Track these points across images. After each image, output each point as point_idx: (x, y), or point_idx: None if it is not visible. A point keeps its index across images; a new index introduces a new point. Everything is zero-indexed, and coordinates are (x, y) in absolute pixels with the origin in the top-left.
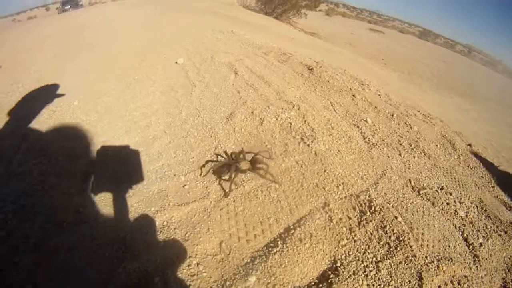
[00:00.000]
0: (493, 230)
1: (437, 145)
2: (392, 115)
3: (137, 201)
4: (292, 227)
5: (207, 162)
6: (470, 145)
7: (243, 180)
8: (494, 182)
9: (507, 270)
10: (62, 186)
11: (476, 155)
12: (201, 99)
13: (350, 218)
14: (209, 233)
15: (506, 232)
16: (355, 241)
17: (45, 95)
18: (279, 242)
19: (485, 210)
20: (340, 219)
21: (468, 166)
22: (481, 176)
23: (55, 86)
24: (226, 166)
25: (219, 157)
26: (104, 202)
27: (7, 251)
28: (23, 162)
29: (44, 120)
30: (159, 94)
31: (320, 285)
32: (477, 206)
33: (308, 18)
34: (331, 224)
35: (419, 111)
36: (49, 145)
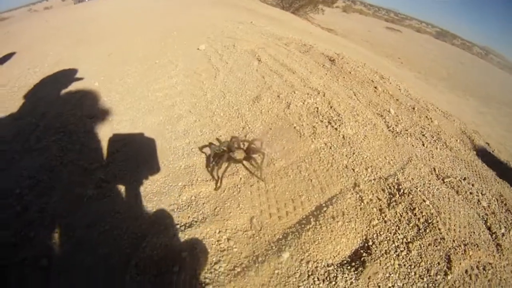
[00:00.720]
0: None
1: (457, 140)
2: (413, 108)
3: (164, 176)
4: (324, 205)
5: (203, 147)
6: (488, 143)
7: (273, 159)
8: None
9: None
10: (83, 162)
11: (496, 154)
12: (225, 82)
13: (380, 200)
14: (240, 208)
15: None
16: (385, 221)
17: (63, 78)
18: (311, 219)
19: (505, 204)
20: (371, 199)
21: (487, 162)
22: (500, 173)
23: (74, 70)
24: (218, 156)
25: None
26: (128, 177)
27: (22, 225)
28: (41, 138)
29: (64, 101)
30: (182, 77)
31: (353, 264)
32: (497, 200)
33: (325, 14)
34: (362, 204)
35: (438, 108)
36: (69, 123)
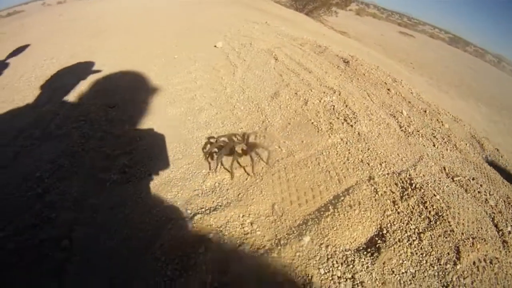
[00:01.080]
0: None
1: (466, 143)
2: (425, 111)
3: (187, 163)
4: (341, 194)
5: (206, 144)
6: (497, 149)
7: (293, 151)
8: None
9: None
10: (105, 148)
11: (505, 160)
12: (244, 79)
13: (393, 192)
14: (262, 195)
15: None
16: (398, 212)
17: (80, 69)
18: (330, 207)
19: None
20: (385, 192)
21: (496, 166)
22: (508, 177)
23: (91, 62)
24: (219, 148)
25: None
26: (151, 164)
27: (43, 207)
28: (61, 126)
29: (83, 91)
30: (201, 72)
31: (369, 250)
32: (504, 201)
33: (338, 17)
34: (377, 195)
35: (449, 112)
36: (89, 112)
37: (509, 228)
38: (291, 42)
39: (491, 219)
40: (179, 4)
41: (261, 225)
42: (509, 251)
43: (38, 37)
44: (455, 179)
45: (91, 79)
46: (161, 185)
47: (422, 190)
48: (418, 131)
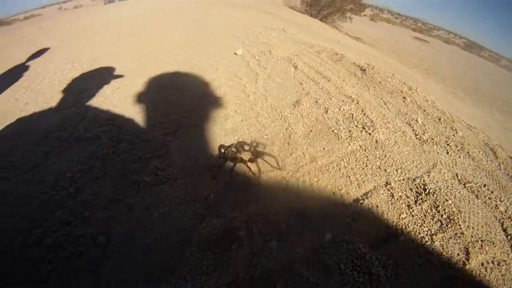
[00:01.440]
0: None
1: (480, 151)
2: (439, 119)
3: None
4: (360, 198)
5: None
6: (510, 157)
7: (315, 157)
8: None
9: None
10: (136, 151)
11: None
12: (266, 87)
13: (408, 197)
14: None
15: None
16: (412, 216)
17: (103, 73)
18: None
19: None
20: (400, 196)
21: (508, 174)
22: None
23: (113, 67)
24: (229, 156)
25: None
26: (184, 165)
27: (76, 205)
28: (89, 129)
29: (108, 95)
30: (224, 80)
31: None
32: None
33: (353, 23)
34: (393, 199)
35: (463, 120)
36: (117, 116)
37: None
38: (309, 50)
39: (500, 224)
40: (193, 7)
41: None
42: None
43: (57, 41)
44: (466, 185)
45: (116, 84)
46: (193, 187)
47: (435, 195)
48: (433, 139)
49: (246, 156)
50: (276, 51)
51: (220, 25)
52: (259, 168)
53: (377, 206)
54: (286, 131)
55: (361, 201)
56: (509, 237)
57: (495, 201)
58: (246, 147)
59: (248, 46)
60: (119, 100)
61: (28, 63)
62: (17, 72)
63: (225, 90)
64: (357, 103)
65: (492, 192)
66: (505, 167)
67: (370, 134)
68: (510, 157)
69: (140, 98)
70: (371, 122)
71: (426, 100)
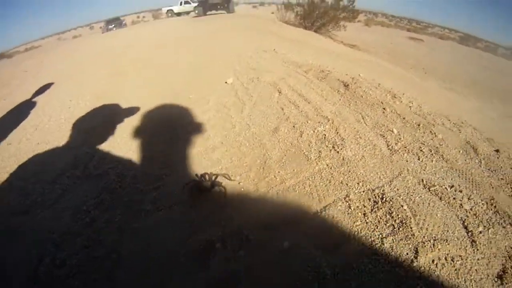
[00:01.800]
0: (497, 222)
1: (459, 151)
2: (419, 125)
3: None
4: (319, 211)
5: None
6: (497, 150)
7: (285, 179)
8: None
9: (507, 257)
10: (139, 184)
11: (502, 160)
12: (250, 115)
13: (365, 206)
14: None
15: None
16: (366, 223)
17: (108, 110)
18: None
19: (495, 206)
20: (357, 206)
21: (488, 169)
22: (501, 178)
23: (116, 103)
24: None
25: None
26: (177, 195)
27: (92, 232)
28: (98, 166)
29: (112, 133)
30: (214, 112)
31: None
32: (486, 203)
33: (347, 30)
34: (350, 210)
35: (449, 120)
36: (121, 153)
37: (480, 229)
38: (297, 70)
39: (461, 222)
40: (193, 34)
41: None
42: (477, 249)
43: (60, 75)
44: (431, 189)
45: (116, 120)
46: (183, 211)
47: (391, 203)
48: (406, 147)
49: (206, 183)
50: (263, 76)
51: (217, 52)
52: (225, 192)
53: (333, 217)
54: (263, 157)
55: (320, 213)
56: (469, 233)
57: (460, 200)
58: (207, 177)
59: (239, 73)
60: (122, 137)
61: (34, 99)
62: (24, 109)
63: (214, 122)
64: (332, 122)
65: (460, 191)
66: (486, 163)
67: (338, 152)
68: (496, 150)
69: (139, 134)
70: (342, 140)
71: (410, 107)
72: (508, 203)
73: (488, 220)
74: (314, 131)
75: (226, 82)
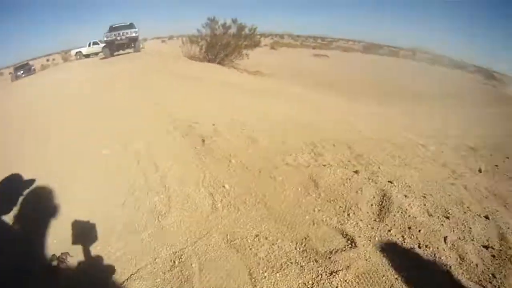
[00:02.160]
0: (295, 262)
1: (298, 189)
2: (260, 172)
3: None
4: (134, 273)
5: None
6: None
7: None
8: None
9: None
10: None
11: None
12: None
13: (165, 267)
14: None
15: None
16: (164, 280)
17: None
18: None
19: (305, 245)
20: (160, 267)
21: (327, 201)
22: (340, 207)
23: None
24: None
25: None
26: None
27: None
28: None
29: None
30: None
31: None
32: (297, 243)
33: (252, 56)
34: (154, 270)
35: (304, 153)
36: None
37: (266, 274)
38: (168, 127)
39: (248, 270)
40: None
41: None
42: None
43: None
44: (232, 243)
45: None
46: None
47: (186, 262)
48: (230, 202)
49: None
50: (131, 144)
51: (110, 115)
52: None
53: (142, 278)
54: None
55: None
56: (253, 279)
57: (256, 248)
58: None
59: (117, 141)
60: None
61: None
62: None
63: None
64: (168, 191)
65: (266, 238)
66: (326, 194)
67: (159, 221)
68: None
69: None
70: (169, 209)
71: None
72: (322, 239)
73: (283, 263)
74: (149, 203)
75: (103, 152)
